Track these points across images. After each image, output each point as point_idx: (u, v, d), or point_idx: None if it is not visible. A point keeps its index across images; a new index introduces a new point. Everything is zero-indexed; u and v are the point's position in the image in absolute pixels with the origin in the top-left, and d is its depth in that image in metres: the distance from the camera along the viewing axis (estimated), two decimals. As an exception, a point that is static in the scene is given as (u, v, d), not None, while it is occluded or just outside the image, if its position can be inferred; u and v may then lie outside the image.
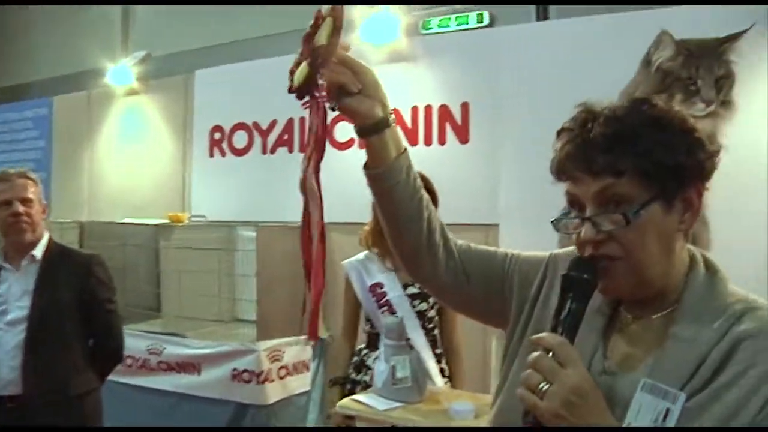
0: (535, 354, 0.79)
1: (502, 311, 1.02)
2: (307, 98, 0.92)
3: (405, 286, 2.37)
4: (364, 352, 2.46)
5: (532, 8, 3.55)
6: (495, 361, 2.56)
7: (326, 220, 0.91)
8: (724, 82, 2.87)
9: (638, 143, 0.81)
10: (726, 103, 2.86)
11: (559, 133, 0.89)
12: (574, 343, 0.81)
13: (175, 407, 3.36)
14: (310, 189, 0.90)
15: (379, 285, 2.36)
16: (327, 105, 0.91)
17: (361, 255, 2.52)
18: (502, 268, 1.03)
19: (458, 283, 1.03)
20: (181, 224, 3.81)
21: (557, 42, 3.28)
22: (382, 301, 2.35)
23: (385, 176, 0.96)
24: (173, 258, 3.65)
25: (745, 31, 2.82)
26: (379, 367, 2.00)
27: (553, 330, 0.82)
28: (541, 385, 0.77)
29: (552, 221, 0.89)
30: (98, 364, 2.30)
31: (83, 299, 2.24)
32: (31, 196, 2.23)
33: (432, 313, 2.40)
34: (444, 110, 3.58)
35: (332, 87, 0.90)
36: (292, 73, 0.95)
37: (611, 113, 0.85)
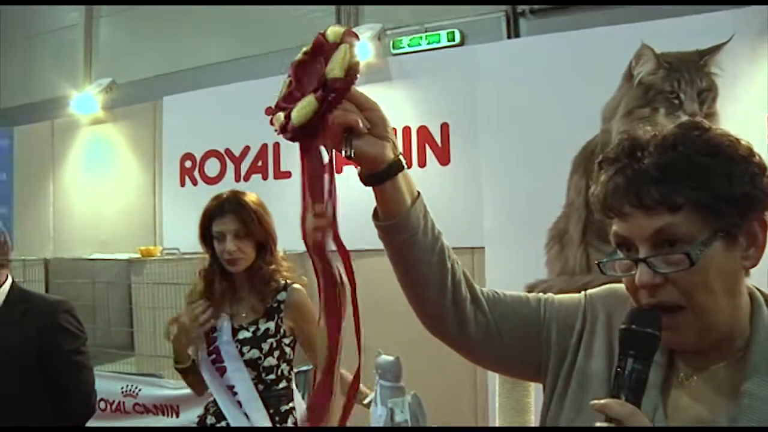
0: (601, 426, 0.69)
1: (537, 364, 0.91)
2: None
3: (237, 330, 2.02)
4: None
5: (503, 25, 3.53)
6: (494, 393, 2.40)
7: (352, 247, 0.79)
8: (707, 95, 2.85)
9: (695, 173, 0.73)
10: (710, 116, 2.83)
11: (600, 164, 0.79)
12: (640, 408, 0.71)
13: (153, 453, 3.21)
14: (326, 257, 0.77)
15: (213, 329, 2.02)
16: (335, 151, 0.77)
17: None
18: (537, 317, 0.92)
19: (489, 339, 0.90)
20: (152, 258, 3.65)
21: (532, 59, 3.24)
22: (211, 348, 2.02)
23: (402, 227, 0.83)
24: (146, 294, 3.49)
25: (725, 43, 2.81)
26: (376, 412, 1.84)
27: (614, 394, 0.72)
28: None
29: (598, 263, 0.79)
30: (65, 422, 2.04)
31: (45, 351, 2.01)
32: None
33: (270, 361, 2.00)
34: (423, 131, 3.51)
35: (338, 128, 0.75)
36: (279, 108, 0.79)
37: (662, 141, 0.76)
